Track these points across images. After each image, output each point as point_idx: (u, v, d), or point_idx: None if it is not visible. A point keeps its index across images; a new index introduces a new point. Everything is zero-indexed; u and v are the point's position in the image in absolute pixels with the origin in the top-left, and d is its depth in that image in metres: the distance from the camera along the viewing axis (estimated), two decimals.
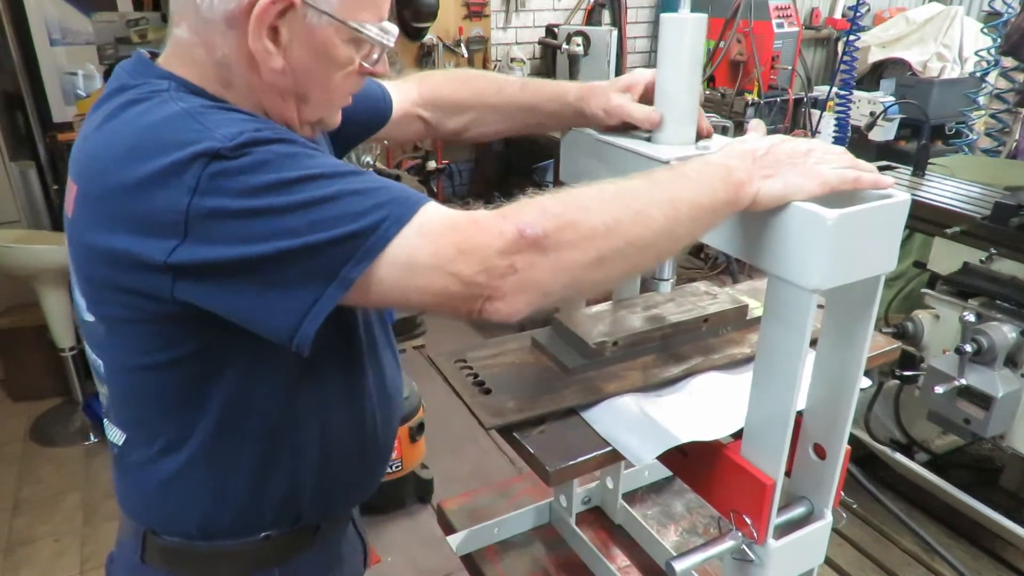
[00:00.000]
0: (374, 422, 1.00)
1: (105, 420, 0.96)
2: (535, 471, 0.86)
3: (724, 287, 1.18)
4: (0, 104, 3.58)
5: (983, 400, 1.29)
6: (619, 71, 4.04)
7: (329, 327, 0.72)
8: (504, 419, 0.89)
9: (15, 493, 2.81)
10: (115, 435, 0.93)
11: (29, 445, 3.08)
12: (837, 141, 2.69)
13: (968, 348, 1.29)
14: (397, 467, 2.49)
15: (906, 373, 1.49)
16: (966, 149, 3.46)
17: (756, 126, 0.82)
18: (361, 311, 0.95)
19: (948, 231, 1.48)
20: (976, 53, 4.18)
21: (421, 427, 2.53)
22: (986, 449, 1.76)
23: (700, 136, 0.97)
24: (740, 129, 4.10)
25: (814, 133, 4.03)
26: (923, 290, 1.49)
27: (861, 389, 0.82)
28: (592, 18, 4.37)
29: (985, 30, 3.43)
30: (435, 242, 0.70)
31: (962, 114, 3.62)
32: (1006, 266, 1.38)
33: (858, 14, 2.42)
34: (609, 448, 0.86)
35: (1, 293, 3.31)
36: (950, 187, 1.75)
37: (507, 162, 4.42)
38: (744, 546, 0.84)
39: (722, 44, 3.88)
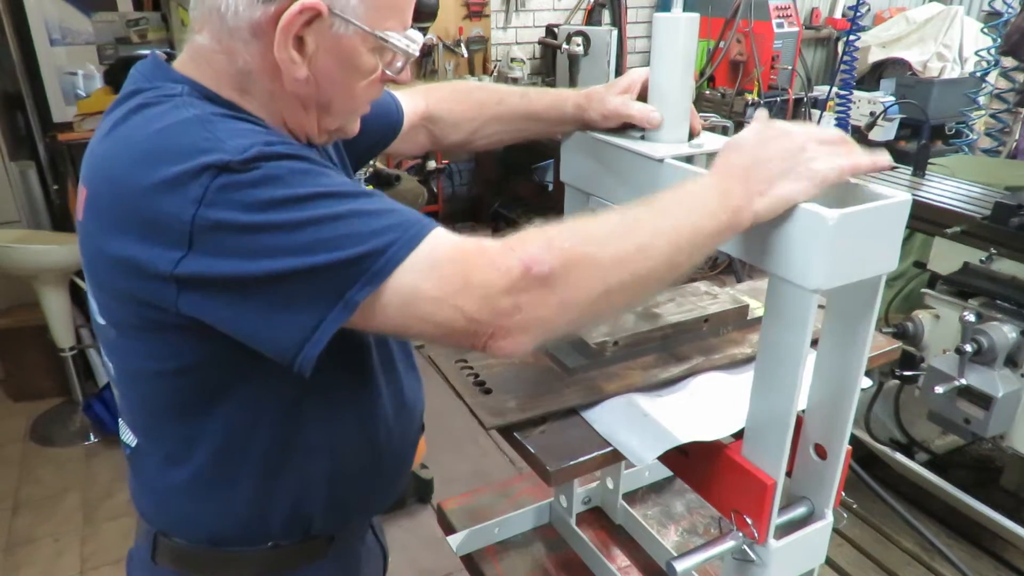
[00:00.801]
0: (389, 436, 0.99)
1: (120, 420, 0.96)
2: (535, 471, 0.86)
3: (724, 287, 1.18)
4: (0, 104, 3.57)
5: (983, 400, 1.29)
6: (619, 71, 4.04)
7: (338, 346, 0.70)
8: (505, 419, 0.89)
9: (15, 493, 2.81)
10: (128, 437, 0.94)
11: (29, 445, 3.08)
12: None
13: (968, 348, 1.28)
14: None
15: (906, 373, 1.49)
16: (966, 149, 3.46)
17: (760, 116, 0.81)
18: None
19: (948, 231, 1.48)
20: (976, 53, 4.18)
21: (421, 427, 2.52)
22: (986, 449, 1.76)
23: (692, 134, 0.97)
24: (740, 128, 4.10)
25: None
26: (923, 290, 1.49)
27: (861, 389, 0.82)
28: (592, 18, 4.37)
29: (985, 30, 3.43)
30: (442, 271, 0.68)
31: (962, 114, 3.62)
32: (1006, 266, 1.38)
33: (858, 14, 2.42)
34: (610, 448, 0.86)
35: (1, 293, 3.31)
36: (950, 187, 1.75)
37: (507, 162, 4.42)
38: (745, 546, 0.84)
39: (722, 44, 3.88)
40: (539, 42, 4.50)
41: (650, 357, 1.03)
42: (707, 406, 0.92)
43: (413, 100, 1.15)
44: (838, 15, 5.32)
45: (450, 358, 1.04)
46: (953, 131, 4.29)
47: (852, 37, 2.50)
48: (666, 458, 0.86)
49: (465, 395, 0.95)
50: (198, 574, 0.95)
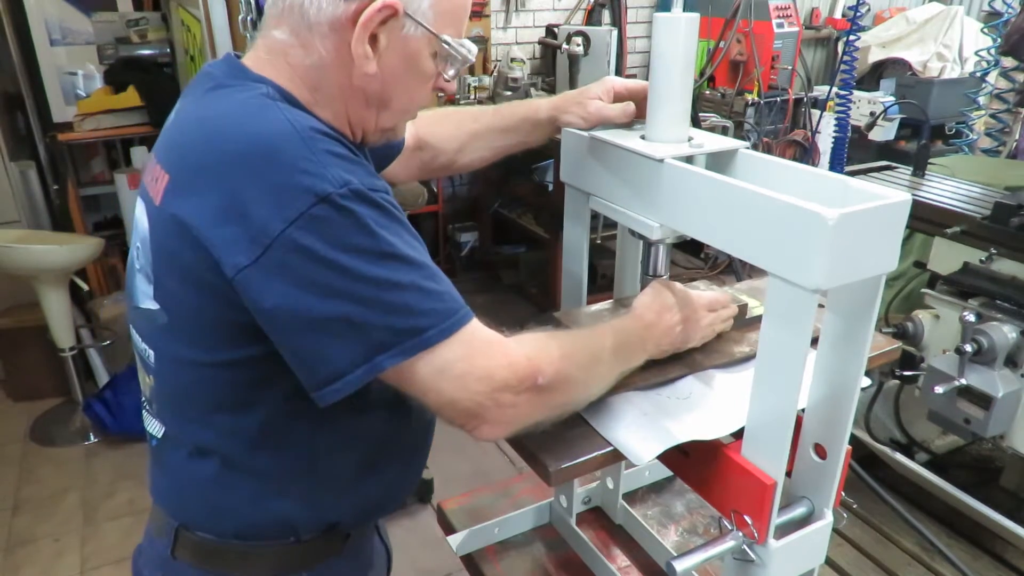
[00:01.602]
0: (415, 432, 1.02)
1: (144, 412, 0.97)
2: (536, 471, 0.86)
3: (723, 286, 1.18)
4: (0, 104, 3.57)
5: (983, 400, 1.29)
6: (619, 71, 4.04)
7: None
8: None
9: (15, 493, 2.81)
10: (154, 427, 0.94)
11: (29, 445, 3.08)
12: (837, 141, 2.69)
13: (968, 348, 1.28)
14: None
15: (906, 373, 1.48)
16: (966, 149, 3.46)
17: (656, 291, 0.99)
18: None
19: (948, 231, 1.48)
20: (976, 53, 4.18)
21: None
22: (986, 449, 1.75)
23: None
24: (740, 129, 4.10)
25: (814, 133, 4.04)
26: (923, 290, 1.49)
27: (861, 389, 0.82)
28: (592, 18, 4.36)
29: (985, 30, 3.43)
30: (468, 361, 0.77)
31: (962, 114, 3.62)
32: (1006, 266, 1.38)
33: (858, 14, 2.42)
34: (610, 448, 0.86)
35: (1, 293, 3.31)
36: (950, 187, 1.75)
37: (507, 162, 4.40)
38: (745, 546, 0.84)
39: (722, 44, 3.88)
40: (539, 42, 4.49)
41: None
42: (706, 405, 0.92)
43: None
44: (838, 15, 5.32)
45: None
46: (953, 131, 4.29)
47: (852, 37, 2.50)
48: (666, 458, 0.86)
49: None
50: (217, 569, 0.95)
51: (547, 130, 1.15)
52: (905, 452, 1.63)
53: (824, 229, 0.68)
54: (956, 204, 1.60)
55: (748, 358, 1.01)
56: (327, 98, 0.86)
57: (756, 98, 4.14)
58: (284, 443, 0.88)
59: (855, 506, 1.40)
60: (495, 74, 4.25)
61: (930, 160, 1.89)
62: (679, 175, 0.87)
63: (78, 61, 3.63)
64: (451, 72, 0.89)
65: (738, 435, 0.86)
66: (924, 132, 4.24)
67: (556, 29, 4.33)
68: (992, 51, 3.16)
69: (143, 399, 0.97)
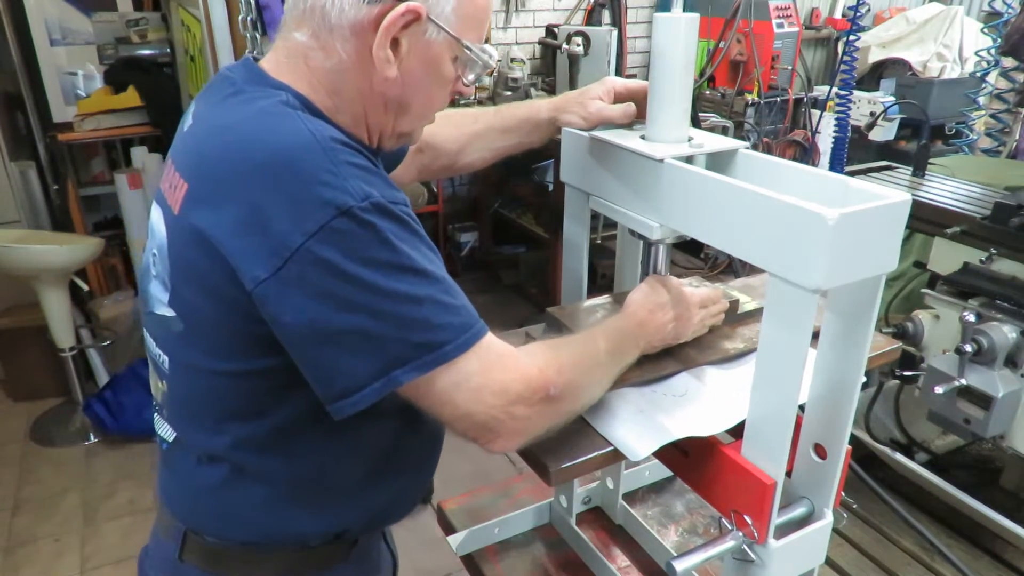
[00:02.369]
0: (433, 444, 1.03)
1: (156, 416, 0.96)
2: (536, 471, 0.86)
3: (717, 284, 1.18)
4: (0, 104, 3.57)
5: (983, 400, 1.29)
6: (619, 71, 4.04)
7: None
8: None
9: (15, 493, 2.81)
10: (166, 431, 0.94)
11: (29, 445, 3.08)
12: (837, 141, 2.69)
13: (968, 348, 1.28)
14: None
15: (906, 373, 1.48)
16: (966, 149, 3.46)
17: (651, 287, 0.99)
18: None
19: (948, 231, 1.48)
20: (976, 53, 4.18)
21: None
22: (986, 449, 1.75)
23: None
24: (740, 129, 4.10)
25: (814, 133, 4.04)
26: (923, 290, 1.49)
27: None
28: (592, 18, 4.36)
29: (985, 30, 3.43)
30: (484, 375, 0.77)
31: (962, 114, 3.62)
32: (1006, 266, 1.38)
33: (858, 14, 2.41)
34: (610, 448, 0.86)
35: (1, 293, 3.31)
36: (950, 187, 1.75)
37: (507, 162, 4.41)
38: (745, 546, 0.84)
39: (722, 44, 3.88)
40: (539, 42, 4.50)
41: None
42: (702, 402, 0.92)
43: None
44: (838, 15, 5.32)
45: None
46: (953, 131, 4.30)
47: (852, 37, 2.50)
48: (666, 458, 0.86)
49: None
50: (224, 573, 0.95)
51: (547, 131, 1.15)
52: (905, 452, 1.63)
53: (824, 229, 0.68)
54: (956, 204, 1.60)
55: (742, 354, 1.01)
56: (346, 102, 0.85)
57: (756, 98, 4.14)
58: (294, 452, 0.88)
59: (855, 506, 1.40)
60: (495, 74, 4.25)
61: (930, 160, 1.89)
62: (679, 175, 0.87)
63: (78, 61, 3.63)
64: (470, 76, 0.89)
65: (738, 435, 0.86)
66: (924, 132, 4.21)
67: (556, 29, 4.33)
68: (992, 51, 3.16)
69: (155, 403, 0.97)
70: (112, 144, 3.74)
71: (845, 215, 0.68)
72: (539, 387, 0.79)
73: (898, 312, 1.74)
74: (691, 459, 0.90)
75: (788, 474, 0.84)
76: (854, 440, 1.04)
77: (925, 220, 1.55)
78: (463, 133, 1.21)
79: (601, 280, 3.78)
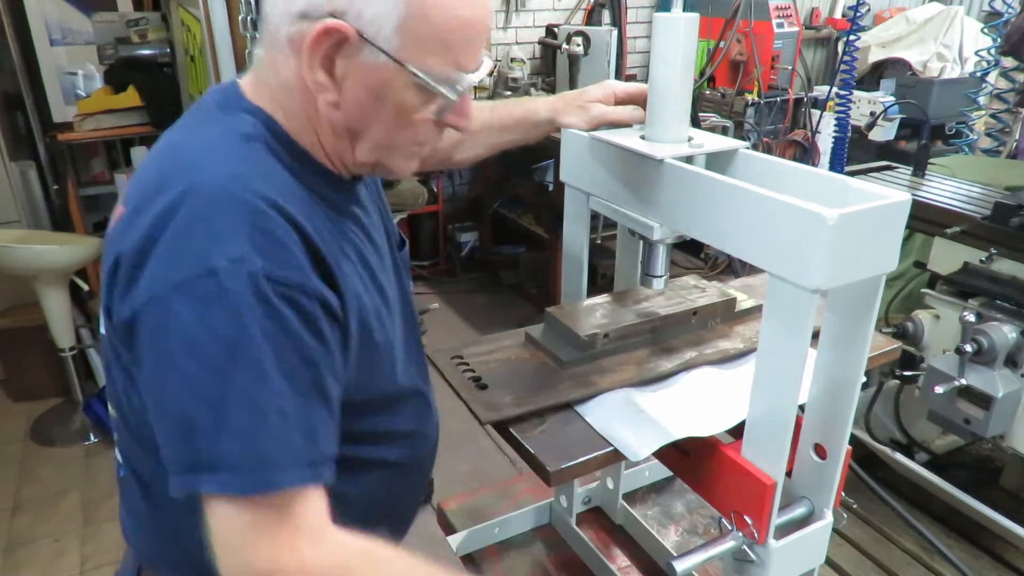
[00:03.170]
0: (421, 461, 1.00)
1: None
2: (535, 471, 0.86)
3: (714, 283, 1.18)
4: (0, 104, 3.57)
5: (983, 400, 1.29)
6: (619, 71, 4.03)
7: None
8: (500, 414, 0.90)
9: (15, 493, 2.81)
10: (119, 457, 0.91)
11: (29, 445, 3.08)
12: (837, 141, 2.69)
13: (968, 348, 1.28)
14: None
15: (906, 373, 1.49)
16: (966, 149, 3.46)
17: None
18: (399, 378, 0.90)
19: (948, 231, 1.48)
20: (976, 53, 4.18)
21: None
22: (986, 449, 1.76)
23: None
24: (740, 129, 4.10)
25: (814, 133, 4.04)
26: (923, 290, 1.49)
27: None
28: (592, 18, 4.36)
29: (985, 30, 3.42)
30: (254, 532, 0.67)
31: (962, 114, 3.62)
32: (1006, 266, 1.38)
33: (858, 14, 2.41)
34: (610, 448, 0.86)
35: (1, 293, 3.31)
36: (950, 187, 1.75)
37: (507, 162, 4.42)
38: (745, 546, 0.84)
39: (722, 44, 3.88)
40: (539, 42, 4.49)
41: (642, 352, 1.03)
42: (701, 402, 0.92)
43: None
44: (838, 15, 5.31)
45: (447, 355, 1.05)
46: (953, 131, 4.29)
47: (852, 37, 2.50)
48: (666, 458, 0.86)
49: (461, 391, 0.96)
50: None
51: (544, 130, 1.14)
52: (905, 452, 1.63)
53: (824, 229, 0.68)
54: (956, 204, 1.60)
55: (741, 354, 1.01)
56: (299, 125, 0.79)
57: (756, 98, 4.14)
58: None
59: (855, 506, 1.40)
60: (495, 74, 4.25)
61: (930, 160, 1.89)
62: (679, 175, 0.87)
63: (78, 61, 3.63)
64: (432, 109, 0.78)
65: (738, 435, 0.86)
66: (924, 132, 4.24)
67: (556, 29, 4.33)
68: (992, 51, 3.16)
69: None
70: (112, 144, 3.74)
71: (845, 215, 0.68)
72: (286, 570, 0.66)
73: (898, 312, 1.74)
74: (691, 459, 0.90)
75: (788, 474, 0.84)
76: (854, 440, 1.04)
77: (925, 220, 1.56)
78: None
79: (601, 280, 3.78)
